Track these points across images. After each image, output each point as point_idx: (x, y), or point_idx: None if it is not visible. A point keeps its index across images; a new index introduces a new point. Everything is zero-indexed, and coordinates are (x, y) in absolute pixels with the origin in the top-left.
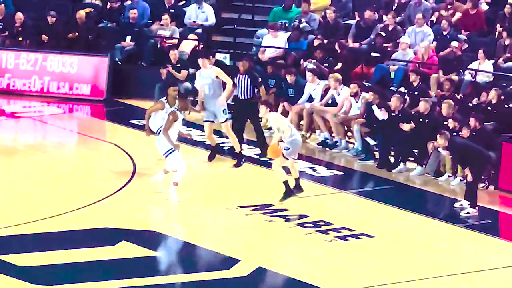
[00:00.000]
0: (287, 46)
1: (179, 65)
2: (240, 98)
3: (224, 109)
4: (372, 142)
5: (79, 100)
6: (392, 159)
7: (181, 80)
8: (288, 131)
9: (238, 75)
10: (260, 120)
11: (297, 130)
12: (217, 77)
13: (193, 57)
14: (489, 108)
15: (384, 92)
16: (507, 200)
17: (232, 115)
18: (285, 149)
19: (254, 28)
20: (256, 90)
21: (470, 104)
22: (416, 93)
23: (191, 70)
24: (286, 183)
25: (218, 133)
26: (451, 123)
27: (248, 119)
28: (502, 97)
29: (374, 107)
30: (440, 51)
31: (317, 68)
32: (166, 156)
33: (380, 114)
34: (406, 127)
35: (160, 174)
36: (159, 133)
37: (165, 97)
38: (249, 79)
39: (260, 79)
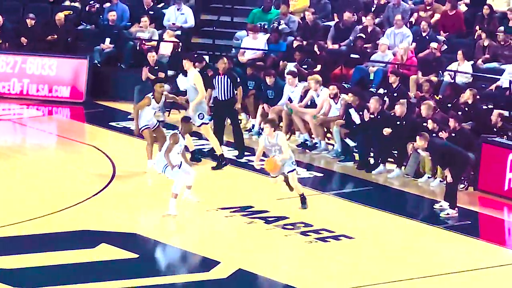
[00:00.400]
0: (266, 48)
1: (156, 67)
2: (220, 99)
3: (200, 113)
4: (351, 143)
5: (59, 102)
6: (372, 161)
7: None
8: (288, 155)
9: (217, 76)
10: (239, 121)
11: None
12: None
13: (173, 59)
14: (466, 109)
15: (363, 93)
16: (486, 201)
17: (211, 117)
18: (293, 164)
19: (233, 30)
20: (235, 90)
21: (449, 105)
22: (395, 94)
23: (170, 72)
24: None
25: (198, 135)
26: (430, 124)
27: (227, 120)
28: (478, 96)
29: (352, 111)
30: (419, 52)
31: (297, 70)
32: (164, 172)
33: (357, 118)
34: (385, 131)
35: (186, 192)
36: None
37: (151, 93)
38: (229, 79)
39: (239, 80)
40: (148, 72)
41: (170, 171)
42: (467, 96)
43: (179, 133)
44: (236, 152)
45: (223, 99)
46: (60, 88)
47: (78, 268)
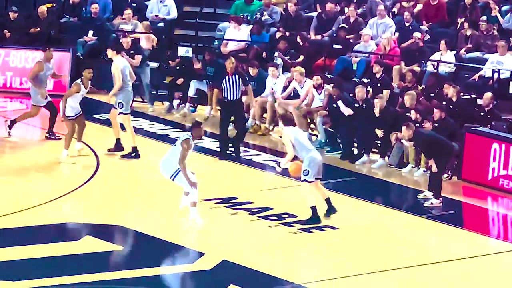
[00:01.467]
0: (249, 39)
1: (132, 51)
2: (229, 98)
3: (120, 102)
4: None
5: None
6: (356, 151)
7: (136, 65)
8: (290, 152)
9: (226, 76)
10: (246, 120)
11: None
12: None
13: (155, 51)
14: (451, 106)
15: (342, 83)
16: (470, 191)
17: (222, 116)
18: (304, 174)
19: (216, 22)
20: (243, 89)
21: (432, 95)
22: (379, 84)
23: (152, 64)
24: (314, 208)
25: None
26: (413, 115)
27: (234, 118)
28: (461, 93)
29: (340, 103)
30: (402, 43)
31: (281, 60)
32: (173, 179)
33: (346, 110)
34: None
35: (184, 199)
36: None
37: (80, 79)
38: (239, 78)
39: (247, 78)
40: (124, 56)
41: (181, 178)
42: (450, 93)
43: (190, 138)
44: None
45: (233, 98)
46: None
47: (63, 260)
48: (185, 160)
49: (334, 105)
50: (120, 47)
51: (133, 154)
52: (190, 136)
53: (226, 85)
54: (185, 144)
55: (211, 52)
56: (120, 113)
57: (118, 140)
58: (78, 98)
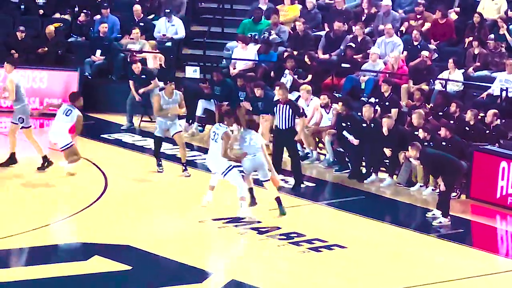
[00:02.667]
0: (257, 58)
1: (143, 76)
2: (280, 127)
3: (20, 117)
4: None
5: (50, 115)
6: (364, 170)
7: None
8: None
9: (278, 105)
10: (298, 152)
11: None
12: None
13: (162, 71)
14: (467, 128)
15: (351, 102)
16: (479, 209)
17: (273, 144)
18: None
19: (224, 41)
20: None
21: (441, 114)
22: (387, 103)
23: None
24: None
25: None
26: (421, 133)
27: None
28: (480, 115)
29: (345, 133)
30: (410, 61)
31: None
32: (224, 175)
33: (353, 139)
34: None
35: (209, 194)
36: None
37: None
38: (290, 109)
39: (302, 109)
40: (134, 83)
41: (232, 175)
42: (468, 117)
43: (227, 128)
44: (291, 182)
45: (283, 128)
46: (51, 100)
47: (71, 280)
48: (229, 151)
49: (343, 124)
50: (15, 61)
51: (46, 164)
52: (225, 127)
53: (277, 113)
54: (224, 136)
55: (219, 72)
56: (22, 127)
57: (13, 154)
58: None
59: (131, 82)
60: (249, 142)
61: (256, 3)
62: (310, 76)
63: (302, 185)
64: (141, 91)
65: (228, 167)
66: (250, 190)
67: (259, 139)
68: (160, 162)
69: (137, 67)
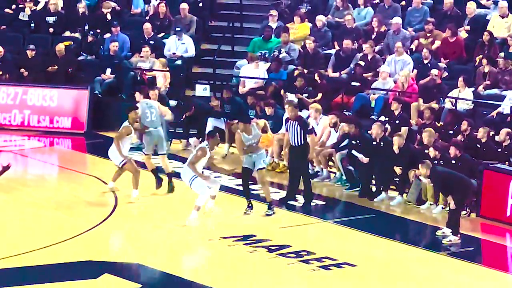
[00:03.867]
0: (267, 77)
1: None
2: (292, 144)
3: None
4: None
5: (60, 133)
6: (374, 188)
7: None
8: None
9: (288, 121)
10: (309, 170)
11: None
12: None
13: (173, 89)
14: (478, 146)
15: (359, 121)
16: (489, 227)
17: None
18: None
19: (234, 59)
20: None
21: (451, 132)
22: (397, 121)
23: (172, 102)
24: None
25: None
26: (431, 152)
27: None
28: (492, 133)
29: (355, 152)
30: (420, 79)
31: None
32: (190, 184)
33: (362, 157)
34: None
35: (210, 202)
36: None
37: (128, 122)
38: (298, 126)
39: (311, 127)
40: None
41: (197, 184)
42: (480, 134)
43: (207, 147)
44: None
45: (295, 144)
46: (61, 119)
47: None
48: (196, 165)
49: (353, 143)
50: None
51: None
52: (207, 145)
53: (289, 131)
54: (200, 151)
55: (229, 90)
56: None
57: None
58: (128, 140)
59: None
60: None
61: (266, 22)
62: (320, 95)
63: (312, 203)
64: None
65: (193, 176)
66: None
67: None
68: (250, 204)
69: (154, 94)
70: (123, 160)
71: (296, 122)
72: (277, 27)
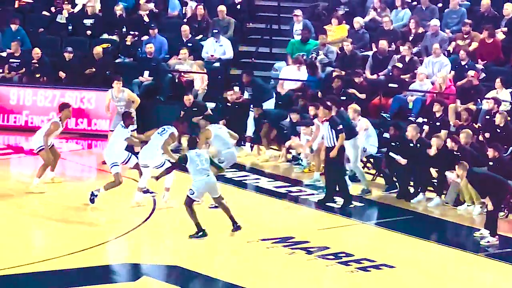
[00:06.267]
0: (306, 78)
1: (195, 108)
2: (326, 145)
3: None
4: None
5: (98, 135)
6: (412, 189)
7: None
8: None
9: (323, 123)
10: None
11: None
12: None
13: (210, 91)
14: (498, 130)
15: (400, 124)
16: None
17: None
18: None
19: (272, 61)
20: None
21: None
22: (437, 123)
23: (209, 105)
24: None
25: None
26: (491, 153)
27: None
28: (509, 118)
29: (392, 154)
30: (458, 81)
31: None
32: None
33: (400, 159)
34: (431, 151)
35: (166, 194)
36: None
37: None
38: (329, 126)
39: (340, 127)
40: (185, 115)
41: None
42: (498, 120)
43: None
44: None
45: (329, 145)
46: (99, 121)
47: None
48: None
49: (392, 144)
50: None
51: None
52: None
53: (323, 131)
54: (171, 136)
55: (248, 74)
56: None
57: None
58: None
59: (182, 112)
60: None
61: (292, 23)
62: (363, 95)
63: (351, 205)
64: (195, 119)
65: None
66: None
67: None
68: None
69: (188, 99)
70: (41, 146)
71: (328, 123)
72: (304, 28)
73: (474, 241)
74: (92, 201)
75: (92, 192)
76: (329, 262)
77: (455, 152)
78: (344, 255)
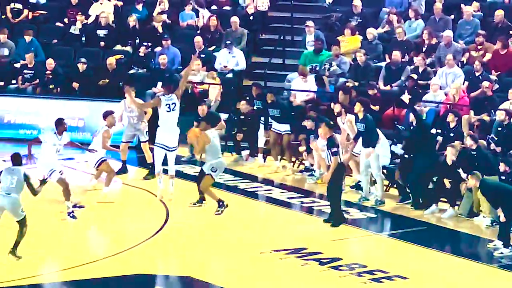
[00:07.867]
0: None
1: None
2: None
3: None
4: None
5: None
6: (425, 200)
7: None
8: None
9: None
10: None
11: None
12: None
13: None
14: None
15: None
16: None
17: None
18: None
19: (285, 72)
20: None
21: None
22: (451, 134)
23: (223, 116)
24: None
25: None
26: (502, 167)
27: None
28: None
29: (393, 147)
30: (471, 92)
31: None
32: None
33: (398, 149)
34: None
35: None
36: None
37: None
38: (326, 145)
39: (335, 150)
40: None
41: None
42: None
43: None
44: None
45: (327, 163)
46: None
47: None
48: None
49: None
50: None
51: None
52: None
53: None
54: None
55: (258, 87)
56: None
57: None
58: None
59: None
60: None
61: (304, 34)
62: (377, 107)
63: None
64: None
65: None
66: None
67: None
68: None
69: (202, 109)
70: (99, 160)
71: (327, 141)
72: (316, 38)
73: (487, 252)
74: (73, 217)
75: (67, 212)
76: (342, 273)
77: (472, 152)
78: (357, 266)
